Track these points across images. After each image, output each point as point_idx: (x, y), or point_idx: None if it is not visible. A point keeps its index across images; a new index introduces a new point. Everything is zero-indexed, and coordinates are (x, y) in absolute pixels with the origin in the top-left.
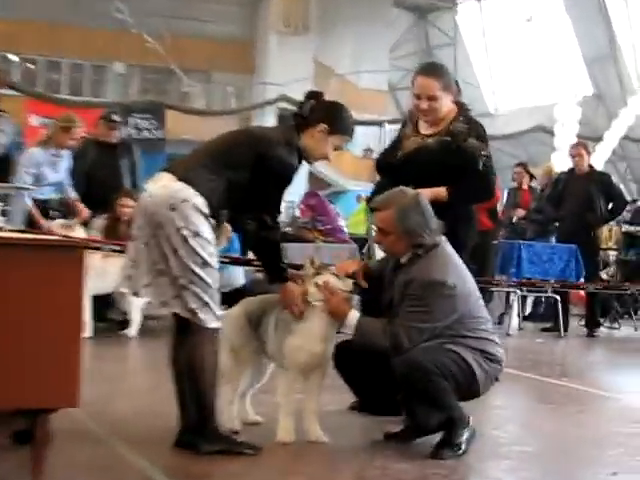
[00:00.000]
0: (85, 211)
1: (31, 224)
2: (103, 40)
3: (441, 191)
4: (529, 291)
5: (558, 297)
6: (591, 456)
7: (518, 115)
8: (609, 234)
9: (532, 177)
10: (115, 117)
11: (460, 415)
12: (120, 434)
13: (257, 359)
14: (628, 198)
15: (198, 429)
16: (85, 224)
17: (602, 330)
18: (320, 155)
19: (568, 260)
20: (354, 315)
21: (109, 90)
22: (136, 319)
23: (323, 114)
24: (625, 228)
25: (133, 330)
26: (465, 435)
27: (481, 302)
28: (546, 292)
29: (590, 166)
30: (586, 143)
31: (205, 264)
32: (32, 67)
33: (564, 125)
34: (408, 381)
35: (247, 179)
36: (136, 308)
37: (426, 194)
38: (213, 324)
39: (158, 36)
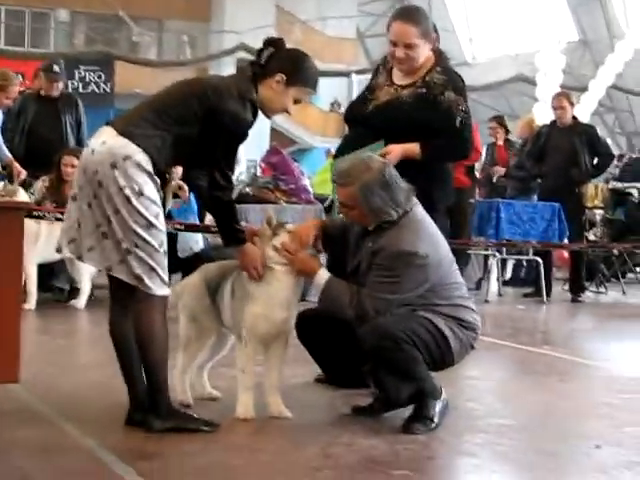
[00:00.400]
0: (22, 172)
1: None
2: None
3: (414, 148)
4: (509, 253)
5: (540, 260)
6: (573, 428)
7: (497, 64)
8: (595, 192)
9: (507, 131)
10: (56, 68)
11: (432, 386)
12: (66, 413)
13: (218, 329)
14: (615, 153)
15: (149, 405)
16: (24, 186)
17: (588, 295)
18: (278, 108)
19: (550, 220)
20: (323, 274)
21: (52, 40)
22: (85, 289)
23: (282, 63)
24: (612, 185)
25: (82, 301)
26: (437, 408)
27: (455, 267)
28: (527, 254)
29: (574, 118)
30: (569, 93)
31: (150, 226)
32: None
33: (547, 74)
34: (376, 350)
35: (196, 134)
36: (86, 276)
37: (397, 151)
38: (160, 291)
39: None
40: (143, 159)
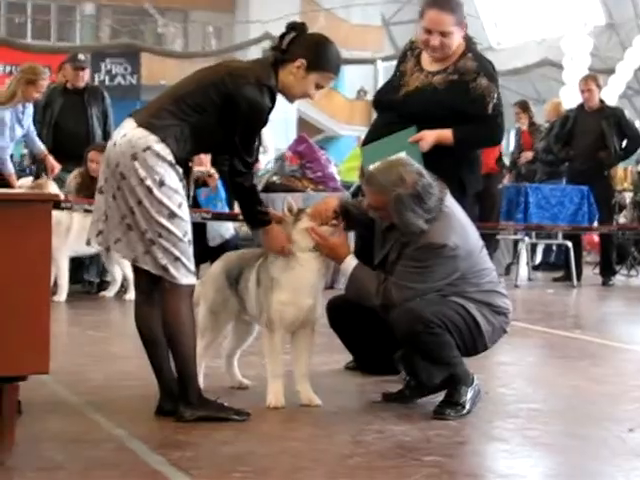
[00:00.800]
0: (56, 166)
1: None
2: None
3: (447, 134)
4: (538, 237)
5: (570, 244)
6: (606, 412)
7: (523, 49)
8: (624, 174)
9: (530, 116)
10: (81, 57)
11: (464, 372)
12: (97, 403)
13: (239, 319)
14: None
15: (180, 395)
16: (56, 180)
17: (618, 278)
18: (299, 93)
19: (580, 203)
20: (351, 261)
21: (78, 33)
22: (118, 280)
23: (303, 48)
24: None
25: (113, 291)
26: (469, 394)
27: (484, 252)
28: (556, 238)
29: (601, 101)
30: (596, 76)
31: (172, 215)
32: None
33: (573, 58)
34: (408, 334)
35: (215, 122)
36: (119, 268)
37: (431, 137)
38: (186, 280)
39: None
40: (163, 149)
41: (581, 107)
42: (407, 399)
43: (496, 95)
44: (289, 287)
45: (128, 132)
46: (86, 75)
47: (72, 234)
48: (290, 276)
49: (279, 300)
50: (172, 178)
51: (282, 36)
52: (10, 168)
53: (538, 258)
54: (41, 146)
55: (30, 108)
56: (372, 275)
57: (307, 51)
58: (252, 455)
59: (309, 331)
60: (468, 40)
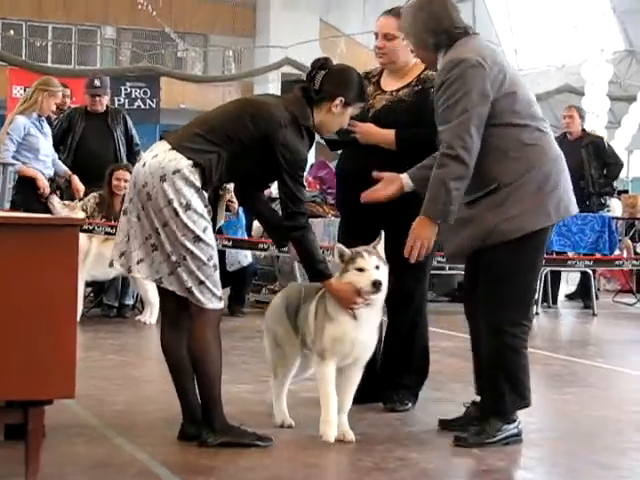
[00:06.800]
0: (81, 188)
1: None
2: (91, 2)
3: (389, 135)
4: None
5: (590, 271)
6: (633, 441)
7: (543, 75)
8: None
9: None
10: (97, 82)
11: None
12: (120, 427)
13: (299, 351)
14: None
15: (204, 420)
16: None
17: (638, 306)
18: (337, 128)
19: (600, 231)
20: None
21: (98, 57)
22: (154, 302)
23: (338, 87)
24: None
25: (154, 316)
26: (506, 433)
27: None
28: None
29: (583, 130)
30: (579, 106)
31: (197, 239)
32: (13, 34)
33: (594, 84)
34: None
35: (252, 154)
36: (151, 290)
37: (370, 130)
38: (211, 305)
39: None
40: (192, 174)
41: (564, 135)
42: (467, 425)
43: None
44: (344, 322)
45: (160, 153)
46: (104, 100)
47: (90, 258)
48: (345, 312)
49: (332, 335)
50: (198, 203)
51: (311, 74)
52: (62, 168)
53: (563, 286)
54: (63, 166)
55: (47, 127)
56: (427, 162)
57: (342, 89)
58: None
59: (357, 369)
60: None
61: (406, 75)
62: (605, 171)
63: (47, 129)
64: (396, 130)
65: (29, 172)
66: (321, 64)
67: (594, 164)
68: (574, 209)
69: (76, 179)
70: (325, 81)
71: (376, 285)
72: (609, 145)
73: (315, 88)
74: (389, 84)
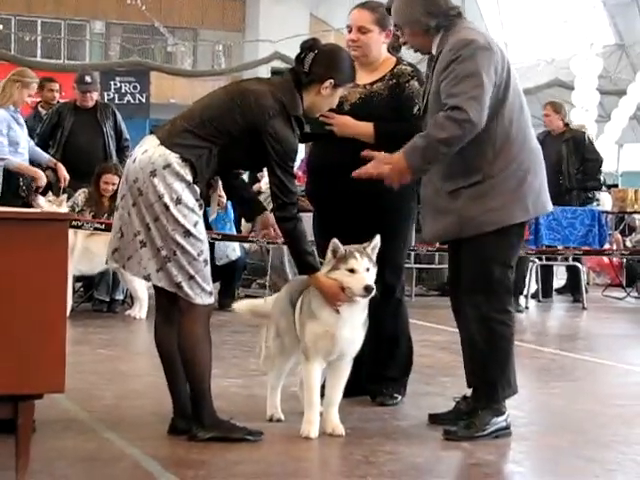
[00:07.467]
0: (67, 176)
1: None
2: None
3: (367, 129)
4: (548, 259)
5: (580, 265)
6: (618, 435)
7: (533, 69)
8: (635, 196)
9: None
10: (88, 79)
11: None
12: (109, 422)
13: (298, 344)
14: None
15: (193, 415)
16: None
17: (628, 300)
18: (326, 108)
19: (590, 225)
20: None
21: (87, 52)
22: (143, 297)
23: (328, 68)
24: None
25: (143, 310)
26: (495, 426)
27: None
28: (567, 260)
29: (566, 125)
30: (558, 103)
31: (188, 234)
32: (2, 28)
33: (583, 78)
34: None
35: (242, 144)
36: (140, 285)
37: (347, 123)
38: (199, 300)
39: None
40: (183, 168)
41: (548, 132)
42: (456, 419)
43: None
44: (325, 319)
45: (149, 149)
46: (94, 95)
47: (76, 253)
48: (328, 308)
49: (313, 331)
50: (189, 197)
51: (300, 57)
52: (45, 156)
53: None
54: (45, 155)
55: (21, 118)
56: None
57: (332, 70)
58: (265, 475)
59: (344, 364)
60: (399, 59)
61: (377, 70)
62: (583, 167)
63: (21, 120)
64: (375, 123)
65: (30, 171)
66: (310, 45)
67: (572, 159)
68: (550, 206)
69: (62, 167)
70: (315, 63)
71: (368, 289)
72: (590, 141)
73: (305, 70)
74: (361, 77)
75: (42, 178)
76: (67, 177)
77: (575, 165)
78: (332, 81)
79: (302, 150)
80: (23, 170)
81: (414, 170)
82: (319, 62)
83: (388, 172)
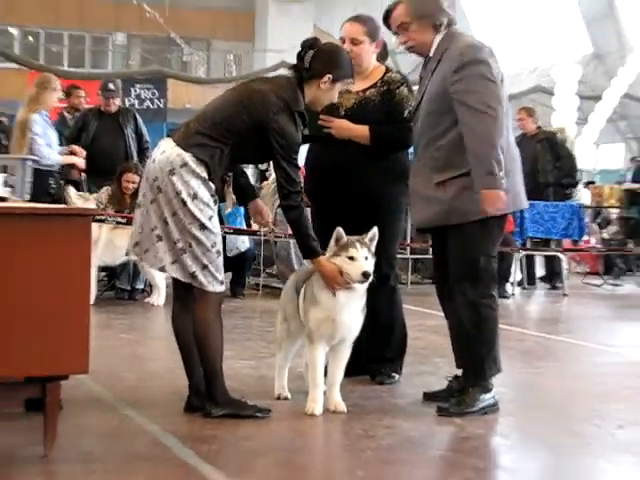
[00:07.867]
0: (82, 152)
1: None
2: (103, 11)
3: (363, 131)
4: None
5: (562, 255)
6: (597, 410)
7: (517, 77)
8: (610, 192)
9: None
10: (111, 86)
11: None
12: (131, 401)
13: (303, 329)
14: (629, 156)
15: (207, 394)
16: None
17: (605, 287)
18: (327, 102)
19: (571, 218)
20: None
21: (110, 61)
22: (161, 286)
23: (326, 65)
24: (627, 186)
25: (161, 298)
26: (484, 403)
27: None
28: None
29: (538, 127)
30: (531, 108)
31: (203, 227)
32: (32, 40)
33: (563, 85)
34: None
35: (248, 143)
36: (159, 276)
37: (345, 126)
38: (211, 287)
39: (158, 5)
40: (198, 166)
41: (523, 134)
42: (448, 397)
43: (413, 104)
44: (327, 304)
45: (167, 150)
46: (117, 101)
47: (100, 245)
48: (329, 294)
49: (316, 316)
50: (204, 193)
51: (301, 54)
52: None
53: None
54: (59, 157)
55: (50, 122)
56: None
57: (330, 66)
58: (272, 449)
59: (345, 347)
60: (387, 67)
61: (368, 77)
62: (559, 164)
63: (51, 123)
64: (370, 126)
65: (69, 160)
66: (310, 44)
67: (547, 157)
68: (526, 203)
69: (76, 148)
70: (314, 60)
71: (365, 275)
72: (562, 141)
73: (305, 67)
74: (355, 85)
75: (81, 164)
76: (84, 153)
77: (551, 163)
78: (330, 76)
79: (304, 148)
80: (67, 161)
81: (498, 185)
82: (318, 59)
83: (497, 209)
